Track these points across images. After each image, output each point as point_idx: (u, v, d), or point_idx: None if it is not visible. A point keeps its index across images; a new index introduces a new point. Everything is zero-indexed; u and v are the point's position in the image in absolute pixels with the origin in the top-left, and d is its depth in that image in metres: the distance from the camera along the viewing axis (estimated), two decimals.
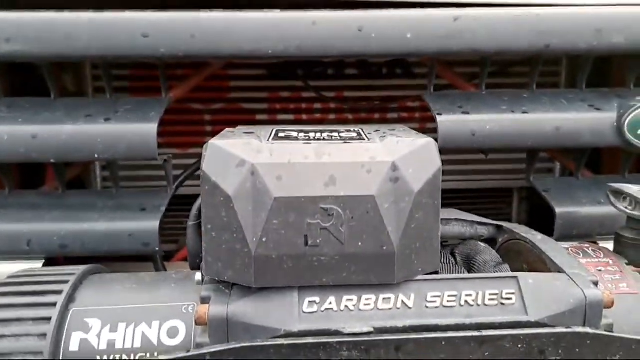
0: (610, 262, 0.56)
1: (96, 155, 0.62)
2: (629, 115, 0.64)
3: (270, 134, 0.49)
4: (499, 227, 0.63)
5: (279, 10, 0.61)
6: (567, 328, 0.44)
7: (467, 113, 0.64)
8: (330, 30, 0.61)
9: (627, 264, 0.56)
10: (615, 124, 0.65)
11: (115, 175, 0.71)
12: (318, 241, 0.42)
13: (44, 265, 0.64)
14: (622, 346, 0.44)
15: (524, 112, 0.65)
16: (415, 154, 0.45)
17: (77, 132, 0.62)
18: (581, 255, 0.57)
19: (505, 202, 0.98)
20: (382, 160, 0.43)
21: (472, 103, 0.66)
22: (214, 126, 0.98)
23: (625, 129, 0.64)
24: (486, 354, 0.43)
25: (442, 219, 0.59)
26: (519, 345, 0.43)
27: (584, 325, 0.45)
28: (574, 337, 0.44)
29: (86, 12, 0.60)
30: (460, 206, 0.66)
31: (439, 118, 0.63)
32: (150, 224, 0.64)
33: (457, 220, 0.63)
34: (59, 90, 0.68)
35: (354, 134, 0.50)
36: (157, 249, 0.64)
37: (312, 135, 0.49)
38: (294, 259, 0.43)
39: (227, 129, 0.54)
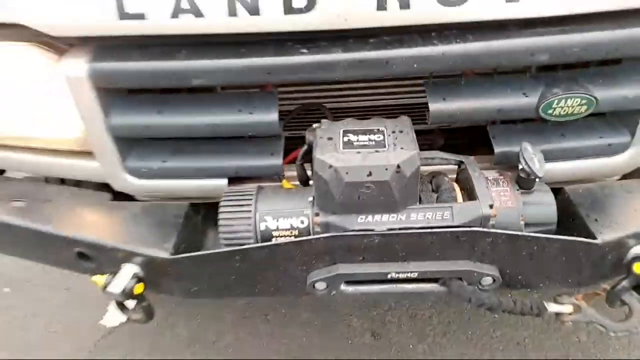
0: (509, 189, 1.12)
1: None
2: (543, 102, 1.12)
3: (341, 139, 1.05)
4: (460, 162, 1.19)
5: None
6: (469, 227, 1.05)
7: (446, 102, 1.14)
8: None
9: (517, 190, 1.12)
10: (535, 106, 1.13)
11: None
12: (364, 198, 1.02)
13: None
14: (494, 236, 1.05)
15: (484, 98, 1.14)
16: (408, 159, 1.00)
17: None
18: (495, 184, 1.14)
19: None
20: (393, 164, 1.00)
21: (452, 93, 1.15)
22: None
23: (540, 110, 1.13)
24: (434, 238, 1.06)
25: (427, 157, 1.17)
26: (449, 226, 1.05)
27: (479, 226, 1.06)
28: (469, 231, 1.05)
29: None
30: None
31: (430, 106, 1.14)
32: (277, 162, 1.25)
33: (436, 158, 1.19)
34: None
35: (381, 137, 1.05)
36: (282, 175, 1.25)
37: (359, 140, 1.05)
38: (354, 204, 1.04)
39: (317, 127, 1.09)
